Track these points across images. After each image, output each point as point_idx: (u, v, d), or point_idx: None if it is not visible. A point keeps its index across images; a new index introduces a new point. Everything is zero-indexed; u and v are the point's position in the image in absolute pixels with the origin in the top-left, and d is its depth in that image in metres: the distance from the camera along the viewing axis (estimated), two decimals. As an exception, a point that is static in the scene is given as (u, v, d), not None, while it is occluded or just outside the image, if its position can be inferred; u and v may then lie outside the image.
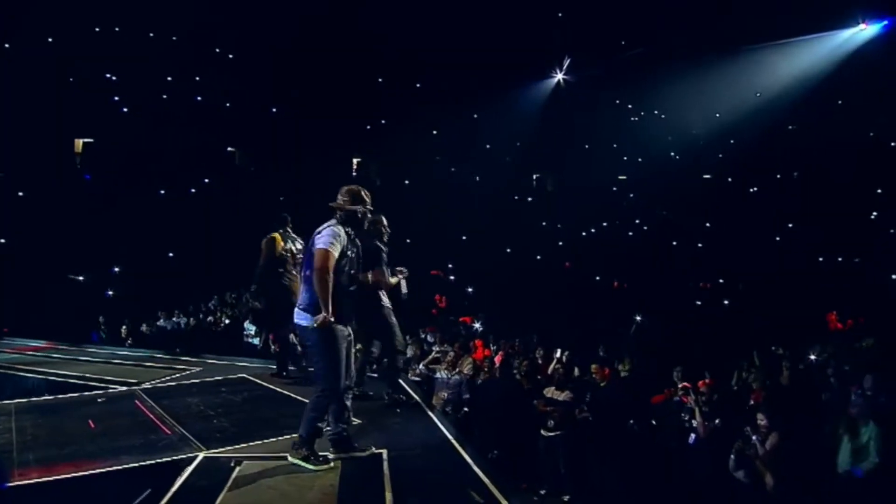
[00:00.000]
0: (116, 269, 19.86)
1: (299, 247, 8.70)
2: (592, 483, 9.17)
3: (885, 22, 23.54)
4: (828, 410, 8.73)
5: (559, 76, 28.52)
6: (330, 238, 5.44)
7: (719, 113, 27.59)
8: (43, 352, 12.21)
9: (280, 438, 6.19)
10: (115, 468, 5.55)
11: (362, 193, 5.77)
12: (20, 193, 21.49)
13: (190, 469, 5.48)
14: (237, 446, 6.03)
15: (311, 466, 5.42)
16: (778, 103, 25.47)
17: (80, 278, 18.48)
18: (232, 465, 5.54)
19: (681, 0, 23.23)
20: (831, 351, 12.22)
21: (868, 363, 10.46)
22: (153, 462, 5.68)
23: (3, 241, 19.57)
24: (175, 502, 4.92)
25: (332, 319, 5.37)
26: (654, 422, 9.63)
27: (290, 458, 5.50)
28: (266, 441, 6.17)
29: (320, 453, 5.54)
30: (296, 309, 5.61)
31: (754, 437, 7.89)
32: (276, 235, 8.68)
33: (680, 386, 9.57)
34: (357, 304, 5.84)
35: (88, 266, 19.55)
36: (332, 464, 5.50)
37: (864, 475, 7.40)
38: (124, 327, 16.44)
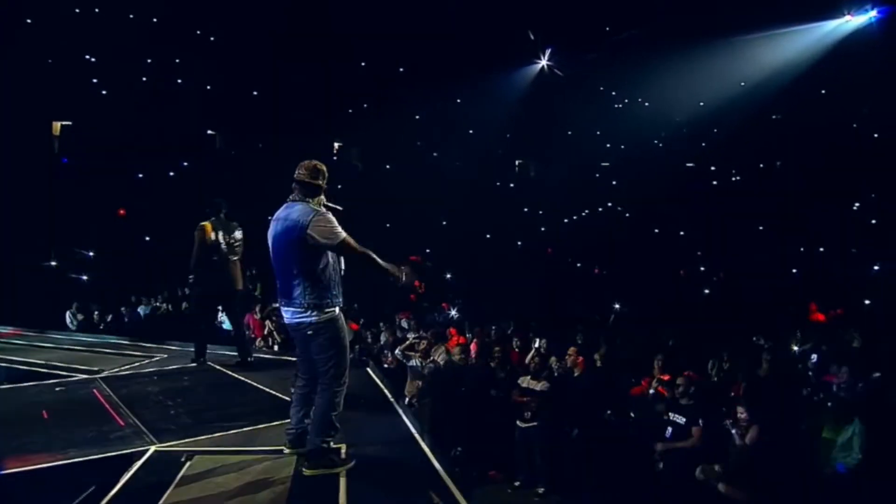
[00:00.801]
0: (91, 254, 19.54)
1: (238, 235, 8.68)
2: (568, 475, 9.01)
3: (872, 13, 23.43)
4: (809, 404, 8.57)
5: (543, 62, 28.27)
6: (331, 223, 5.05)
7: (703, 101, 27.43)
8: (8, 338, 11.93)
9: (236, 431, 5.99)
10: (61, 462, 5.30)
11: (323, 168, 5.35)
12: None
13: (139, 463, 5.24)
14: (191, 439, 5.79)
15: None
16: (762, 93, 25.32)
17: (53, 263, 18.14)
18: (183, 459, 5.30)
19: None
20: (814, 342, 12.05)
21: (852, 356, 10.30)
22: (102, 456, 5.43)
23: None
24: (119, 500, 4.66)
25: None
26: (631, 413, 9.46)
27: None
28: (221, 433, 5.94)
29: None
30: (290, 309, 5.16)
31: (734, 431, 7.73)
32: (207, 224, 8.53)
33: (655, 379, 9.40)
34: None
35: (63, 250, 19.24)
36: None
37: (848, 472, 7.25)
38: (96, 313, 16.17)
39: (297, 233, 4.99)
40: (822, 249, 21.81)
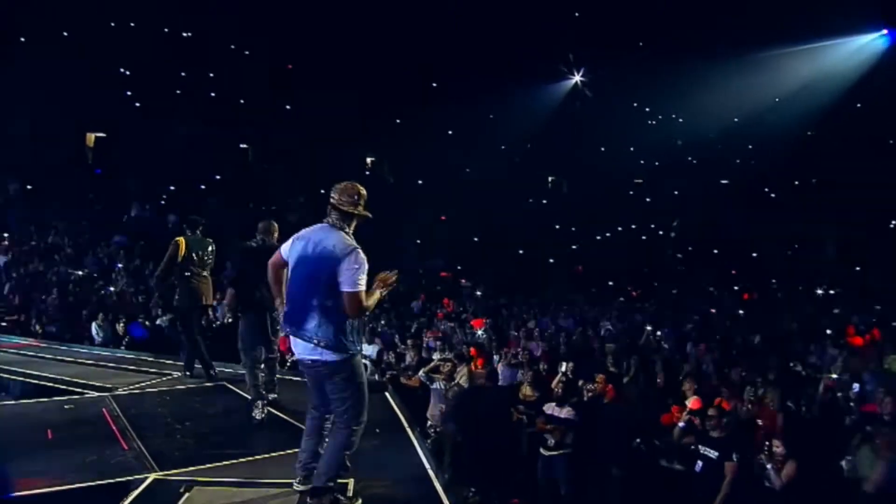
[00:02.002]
0: (120, 266, 19.52)
1: (210, 250, 8.90)
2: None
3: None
4: (851, 437, 8.09)
5: (577, 77, 28.07)
6: (360, 270, 4.69)
7: (737, 117, 27.01)
8: (28, 350, 11.80)
9: (239, 461, 5.75)
10: (57, 488, 5.10)
11: (363, 191, 4.99)
12: (28, 187, 21.34)
13: (136, 493, 5.03)
14: (193, 468, 5.55)
15: None
16: (796, 108, 24.87)
17: (80, 273, 18.11)
18: (181, 490, 5.06)
19: (699, 2, 22.81)
20: (852, 368, 11.56)
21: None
22: (100, 483, 5.22)
23: (5, 235, 19.33)
24: (110, 532, 4.45)
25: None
26: (657, 442, 9.07)
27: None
28: (225, 463, 5.71)
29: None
30: (300, 342, 4.78)
31: (769, 467, 7.31)
32: (181, 240, 8.71)
33: (686, 410, 8.99)
34: None
35: (92, 262, 19.28)
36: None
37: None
38: (121, 325, 16.05)
39: (328, 263, 4.67)
40: (857, 269, 21.29)
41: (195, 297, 8.80)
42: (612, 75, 26.36)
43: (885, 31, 23.43)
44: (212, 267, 9.03)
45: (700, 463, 7.85)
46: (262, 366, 7.35)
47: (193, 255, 8.70)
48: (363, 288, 4.68)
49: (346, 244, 4.71)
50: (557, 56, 26.73)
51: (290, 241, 4.95)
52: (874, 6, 22.89)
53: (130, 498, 4.95)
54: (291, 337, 4.87)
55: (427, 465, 5.84)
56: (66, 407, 7.51)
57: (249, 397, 7.23)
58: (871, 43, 24.29)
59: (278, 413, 7.17)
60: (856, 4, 22.62)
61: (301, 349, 4.82)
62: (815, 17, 22.32)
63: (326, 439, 5.02)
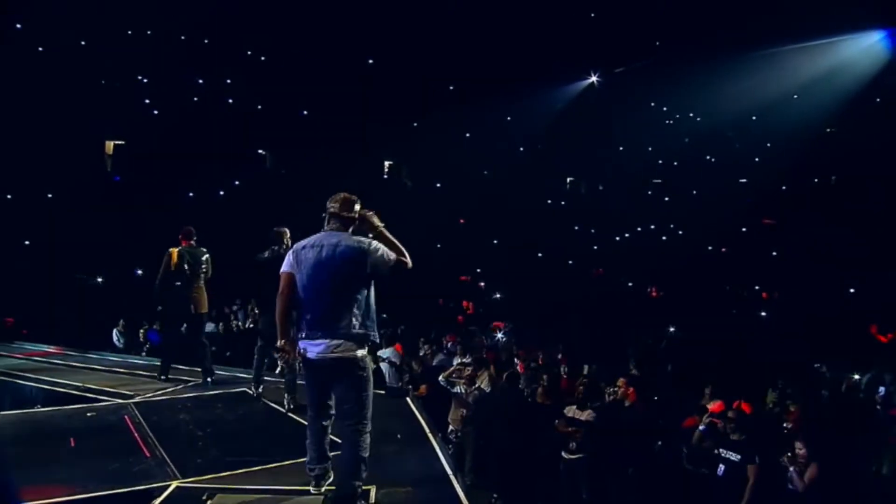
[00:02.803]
0: (140, 272, 19.60)
1: (204, 260, 9.16)
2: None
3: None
4: (876, 437, 8.00)
5: (593, 78, 28.00)
6: (383, 246, 5.01)
7: (755, 115, 26.84)
8: (52, 357, 11.89)
9: (263, 467, 5.75)
10: (80, 497, 5.11)
11: (356, 199, 5.21)
12: (49, 195, 21.43)
13: (158, 500, 5.04)
14: (215, 475, 5.57)
15: None
16: (815, 105, 24.67)
17: (99, 280, 18.22)
18: (204, 497, 5.07)
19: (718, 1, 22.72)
20: (878, 368, 11.42)
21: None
22: (122, 490, 5.24)
23: (27, 242, 19.47)
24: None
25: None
26: (684, 448, 8.99)
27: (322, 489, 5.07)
28: (248, 469, 5.70)
29: None
30: (330, 342, 4.87)
31: (791, 469, 7.23)
32: (173, 251, 8.99)
33: (706, 414, 8.91)
34: None
35: (112, 268, 19.37)
36: None
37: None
38: (141, 332, 16.15)
39: (355, 257, 4.89)
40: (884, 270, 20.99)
41: (184, 306, 9.07)
42: (628, 75, 26.26)
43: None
44: (207, 276, 9.27)
45: (722, 467, 7.78)
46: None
47: (185, 265, 8.97)
48: (394, 256, 4.97)
49: (361, 239, 4.99)
50: (575, 57, 26.64)
51: (292, 254, 5.08)
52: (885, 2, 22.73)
53: (152, 506, 4.94)
54: (311, 341, 4.92)
55: (449, 471, 5.81)
56: (88, 415, 7.57)
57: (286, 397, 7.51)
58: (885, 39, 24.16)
59: (300, 419, 7.17)
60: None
61: (324, 348, 4.88)
62: (831, 13, 22.15)
63: (331, 441, 5.19)
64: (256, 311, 16.30)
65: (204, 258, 9.18)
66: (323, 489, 5.11)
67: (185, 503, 5.04)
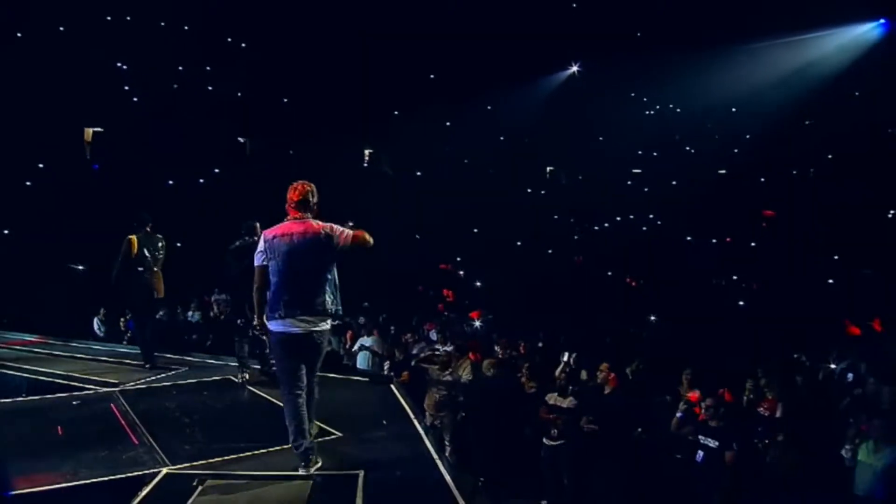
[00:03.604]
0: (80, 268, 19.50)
1: (160, 246, 9.54)
2: (596, 495, 8.73)
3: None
4: (847, 425, 8.15)
5: (574, 68, 28.06)
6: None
7: (735, 107, 26.99)
8: (32, 346, 11.85)
9: (252, 453, 5.84)
10: (71, 484, 5.17)
11: (315, 188, 5.79)
12: (27, 183, 21.28)
13: (148, 488, 5.09)
14: (204, 461, 5.64)
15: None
16: (794, 98, 24.83)
17: (80, 268, 18.13)
18: (195, 483, 5.15)
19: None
20: (852, 358, 11.58)
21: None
22: (113, 478, 5.30)
23: (6, 231, 19.33)
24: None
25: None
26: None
27: (313, 469, 5.34)
28: (237, 455, 5.78)
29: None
30: (310, 318, 5.49)
31: (769, 455, 7.40)
32: (133, 238, 9.24)
33: (683, 401, 9.05)
34: None
35: (92, 257, 19.26)
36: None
37: (888, 499, 6.87)
38: (122, 320, 16.09)
39: (324, 242, 5.48)
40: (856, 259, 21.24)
41: (148, 291, 9.40)
42: (608, 65, 26.29)
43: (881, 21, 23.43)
44: (163, 262, 9.59)
45: (701, 453, 7.93)
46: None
47: (145, 251, 9.27)
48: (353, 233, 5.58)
49: (324, 224, 5.57)
50: (556, 46, 26.66)
51: (264, 242, 5.60)
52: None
53: (144, 492, 5.01)
54: (291, 319, 5.43)
55: (435, 455, 5.92)
56: (74, 403, 7.60)
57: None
58: (865, 34, 24.33)
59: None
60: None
61: (303, 326, 5.46)
62: (811, 7, 22.33)
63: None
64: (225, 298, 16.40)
65: (161, 244, 9.55)
66: (312, 471, 5.23)
67: (176, 489, 5.08)
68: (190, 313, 17.23)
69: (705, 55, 24.16)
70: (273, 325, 5.48)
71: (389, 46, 24.33)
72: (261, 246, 5.58)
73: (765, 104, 25.44)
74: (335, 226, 5.54)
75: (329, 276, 5.56)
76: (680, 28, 23.35)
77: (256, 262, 5.57)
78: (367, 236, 5.58)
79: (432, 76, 27.30)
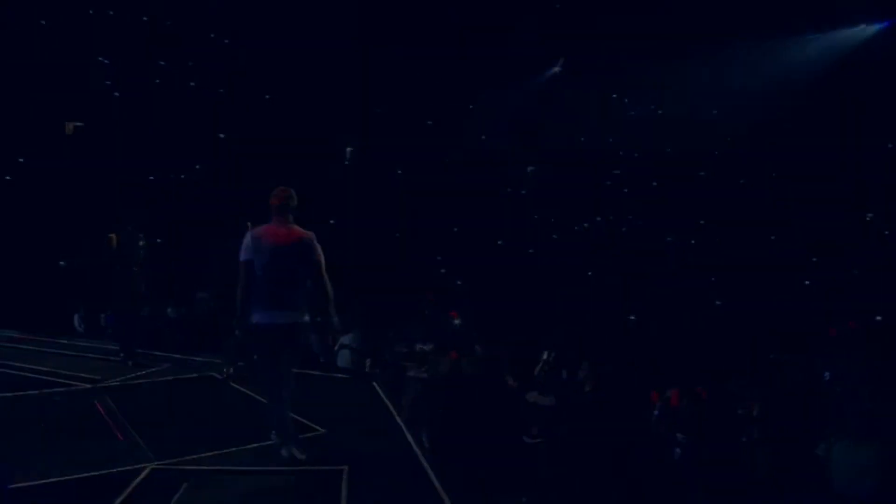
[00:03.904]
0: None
1: (141, 244, 9.78)
2: (576, 494, 8.80)
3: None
4: (824, 423, 8.28)
5: (557, 68, 28.12)
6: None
7: (715, 110, 27.13)
8: (15, 343, 11.80)
9: (237, 448, 5.88)
10: (55, 480, 5.17)
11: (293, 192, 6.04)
12: (7, 178, 21.12)
13: (133, 484, 5.11)
14: (190, 457, 5.67)
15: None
16: (774, 100, 25.01)
17: (62, 263, 18.05)
18: (180, 479, 5.17)
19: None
20: (828, 358, 11.75)
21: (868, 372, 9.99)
22: (98, 474, 5.30)
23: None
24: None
25: None
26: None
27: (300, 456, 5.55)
28: (222, 451, 5.82)
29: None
30: (285, 312, 5.71)
31: (746, 453, 7.51)
32: (113, 236, 9.49)
33: (661, 397, 9.17)
34: None
35: (72, 253, 19.16)
36: None
37: (866, 497, 6.99)
38: (102, 316, 16.02)
39: (304, 247, 5.75)
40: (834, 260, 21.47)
41: (126, 289, 9.61)
42: (590, 66, 26.39)
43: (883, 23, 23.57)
44: (142, 260, 9.78)
45: (678, 450, 8.03)
46: None
47: (126, 248, 9.52)
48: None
49: (306, 232, 5.84)
50: (539, 45, 26.73)
51: (250, 241, 5.74)
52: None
53: (130, 488, 5.02)
54: (274, 311, 5.67)
55: (417, 451, 6.01)
56: (56, 399, 7.59)
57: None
58: (855, 34, 24.47)
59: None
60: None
61: (282, 317, 5.68)
62: (799, 9, 22.46)
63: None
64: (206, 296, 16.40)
65: (141, 243, 9.75)
66: (296, 463, 5.40)
67: (161, 485, 5.10)
68: (170, 310, 17.16)
69: (687, 58, 24.30)
70: (257, 317, 5.64)
71: (371, 43, 24.37)
72: (247, 241, 5.71)
73: (747, 107, 25.63)
74: (315, 241, 5.82)
75: (304, 279, 5.80)
76: (663, 29, 23.47)
77: (242, 258, 5.70)
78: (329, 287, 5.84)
79: (415, 73, 27.34)
